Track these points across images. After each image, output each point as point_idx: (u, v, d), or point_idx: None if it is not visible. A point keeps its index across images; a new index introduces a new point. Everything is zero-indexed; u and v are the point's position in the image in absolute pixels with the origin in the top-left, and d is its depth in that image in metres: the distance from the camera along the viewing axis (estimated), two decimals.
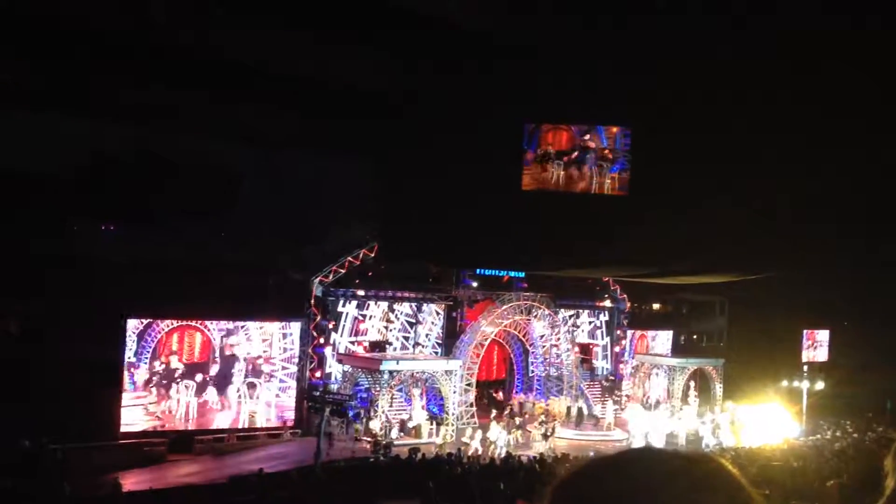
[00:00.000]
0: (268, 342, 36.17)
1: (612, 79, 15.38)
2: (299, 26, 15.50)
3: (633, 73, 14.81)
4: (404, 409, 37.43)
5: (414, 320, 41.75)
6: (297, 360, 36.80)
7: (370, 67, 16.93)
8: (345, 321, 39.17)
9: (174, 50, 16.92)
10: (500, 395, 44.37)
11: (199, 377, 34.13)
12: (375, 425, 34.46)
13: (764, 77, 13.73)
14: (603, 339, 49.01)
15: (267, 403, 35.77)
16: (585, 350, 47.43)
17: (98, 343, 30.65)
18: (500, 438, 33.82)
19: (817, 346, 59.03)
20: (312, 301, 37.67)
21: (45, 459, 26.38)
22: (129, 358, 32.67)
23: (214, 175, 32.77)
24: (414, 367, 37.40)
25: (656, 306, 55.24)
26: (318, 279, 37.81)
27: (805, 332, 58.08)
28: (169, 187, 34.50)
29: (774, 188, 15.02)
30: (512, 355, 44.84)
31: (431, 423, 36.56)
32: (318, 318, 37.87)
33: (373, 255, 37.95)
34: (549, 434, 35.06)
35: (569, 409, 40.50)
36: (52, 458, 26.55)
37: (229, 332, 35.11)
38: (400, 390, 37.46)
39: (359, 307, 39.77)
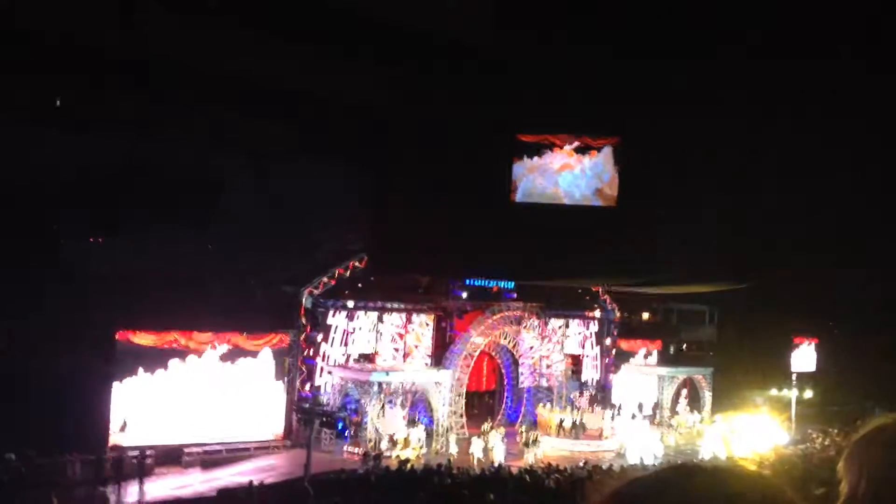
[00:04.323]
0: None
1: (601, 91, 15.43)
2: (289, 37, 15.51)
3: (621, 86, 14.87)
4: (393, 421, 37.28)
5: (403, 331, 41.68)
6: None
7: (360, 79, 16.95)
8: (335, 332, 39.07)
9: (159, 61, 16.91)
10: (476, 411, 44.36)
11: (187, 389, 33.96)
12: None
13: (751, 89, 13.81)
14: (592, 348, 49.04)
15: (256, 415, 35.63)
16: (575, 360, 47.43)
17: (86, 356, 30.49)
18: (497, 448, 33.86)
19: (804, 355, 59.06)
20: (302, 313, 37.59)
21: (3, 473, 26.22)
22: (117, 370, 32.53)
23: (194, 184, 32.61)
24: (404, 379, 37.34)
25: (646, 316, 55.30)
26: (307, 290, 37.74)
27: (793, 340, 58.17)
28: (155, 199, 34.37)
29: (761, 198, 15.10)
30: (502, 366, 44.77)
31: (422, 434, 36.42)
32: (308, 329, 37.78)
33: (362, 266, 37.90)
34: (529, 443, 35.24)
35: (561, 421, 40.30)
36: (12, 471, 26.39)
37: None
38: (390, 402, 37.38)
39: (348, 318, 39.68)
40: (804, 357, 58.66)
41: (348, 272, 38.45)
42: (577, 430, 40.04)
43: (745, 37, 12.48)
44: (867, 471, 1.75)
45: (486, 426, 36.60)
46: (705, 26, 12.58)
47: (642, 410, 46.76)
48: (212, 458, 33.18)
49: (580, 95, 15.52)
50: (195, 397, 34.08)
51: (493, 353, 44.08)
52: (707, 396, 47.01)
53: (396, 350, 41.35)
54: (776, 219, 15.10)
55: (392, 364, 39.98)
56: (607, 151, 17.90)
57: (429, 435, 36.57)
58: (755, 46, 12.28)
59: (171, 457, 32.04)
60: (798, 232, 15.26)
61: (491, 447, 33.83)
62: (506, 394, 44.91)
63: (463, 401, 39.26)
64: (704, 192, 15.38)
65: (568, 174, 18.05)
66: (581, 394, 45.18)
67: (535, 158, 18.09)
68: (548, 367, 43.47)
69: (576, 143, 18.10)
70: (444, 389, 37.57)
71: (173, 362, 33.80)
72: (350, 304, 39.49)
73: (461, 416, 38.88)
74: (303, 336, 37.47)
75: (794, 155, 14.24)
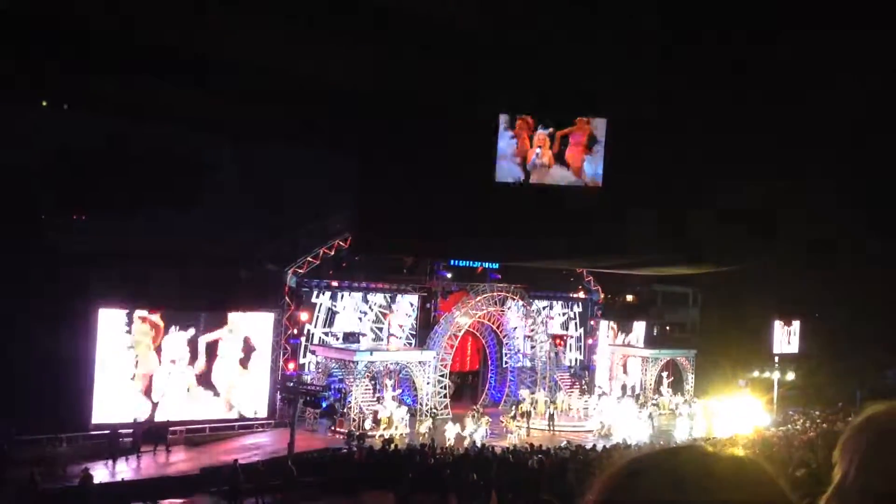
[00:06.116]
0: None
1: (588, 72, 15.40)
2: (276, 22, 15.41)
3: (609, 68, 14.85)
4: (377, 400, 37.31)
5: (388, 311, 41.68)
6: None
7: (346, 62, 16.86)
8: (318, 312, 39.03)
9: (148, 44, 16.78)
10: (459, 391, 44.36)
11: (172, 369, 33.89)
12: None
13: (737, 75, 13.81)
14: (576, 329, 49.18)
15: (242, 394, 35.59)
16: (562, 340, 47.55)
17: (69, 334, 30.37)
18: (476, 430, 33.81)
19: (787, 337, 59.27)
20: (286, 292, 37.52)
21: None
22: (101, 348, 32.41)
23: (182, 165, 32.54)
24: (388, 359, 37.34)
25: (630, 297, 55.43)
26: (291, 270, 37.65)
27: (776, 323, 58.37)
28: (139, 178, 34.22)
29: (747, 182, 15.13)
30: (486, 346, 44.85)
31: (406, 414, 36.47)
32: (292, 309, 37.73)
33: (347, 245, 37.81)
34: (516, 416, 35.45)
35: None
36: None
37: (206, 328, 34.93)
38: (374, 381, 37.42)
39: (332, 298, 39.64)
40: (787, 339, 58.89)
41: (333, 251, 38.38)
42: (554, 415, 39.81)
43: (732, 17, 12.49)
44: (857, 458, 1.79)
45: (475, 408, 36.47)
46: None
47: (625, 391, 47.00)
48: (196, 437, 33.17)
49: (564, 74, 15.48)
50: (179, 375, 34.01)
51: (478, 333, 44.16)
52: (690, 378, 47.27)
53: (380, 329, 41.35)
54: (770, 202, 15.14)
55: (376, 344, 39.98)
56: (588, 130, 17.85)
57: (412, 415, 36.64)
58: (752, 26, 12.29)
59: (156, 435, 31.94)
60: (793, 217, 15.31)
61: (469, 431, 33.65)
62: (490, 374, 45.01)
63: (447, 381, 39.32)
64: (694, 175, 15.40)
65: (550, 153, 18.03)
66: (573, 376, 45.33)
67: (519, 139, 18.05)
68: (532, 347, 43.60)
69: (557, 123, 18.07)
70: (428, 369, 37.63)
71: (159, 339, 33.73)
72: (334, 283, 39.43)
73: (445, 395, 38.96)
74: (287, 315, 37.43)
75: (792, 140, 14.27)
